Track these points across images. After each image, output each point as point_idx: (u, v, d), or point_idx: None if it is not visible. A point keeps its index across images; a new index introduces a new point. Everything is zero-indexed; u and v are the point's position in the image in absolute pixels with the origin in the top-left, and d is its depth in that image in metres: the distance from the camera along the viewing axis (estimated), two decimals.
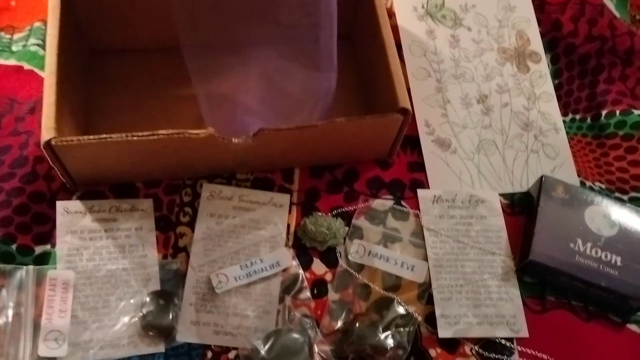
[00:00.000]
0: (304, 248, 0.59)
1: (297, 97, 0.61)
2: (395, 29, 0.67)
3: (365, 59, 0.66)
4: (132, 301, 0.53)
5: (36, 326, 0.51)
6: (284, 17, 0.60)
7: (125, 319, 0.52)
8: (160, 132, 0.51)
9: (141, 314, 0.52)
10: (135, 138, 0.51)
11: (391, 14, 0.70)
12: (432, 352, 0.55)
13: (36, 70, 0.63)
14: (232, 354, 0.53)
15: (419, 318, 0.56)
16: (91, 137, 0.50)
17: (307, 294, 0.56)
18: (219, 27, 0.60)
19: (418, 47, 0.70)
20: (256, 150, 0.56)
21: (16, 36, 0.66)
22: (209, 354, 0.53)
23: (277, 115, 0.60)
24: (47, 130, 0.50)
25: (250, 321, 0.54)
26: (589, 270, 0.57)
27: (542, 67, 0.72)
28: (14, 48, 0.65)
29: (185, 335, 0.53)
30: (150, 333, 0.52)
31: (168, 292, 0.54)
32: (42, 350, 0.50)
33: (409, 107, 0.56)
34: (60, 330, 0.51)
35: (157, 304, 0.52)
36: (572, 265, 0.57)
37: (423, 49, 0.70)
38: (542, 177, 0.62)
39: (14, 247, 0.54)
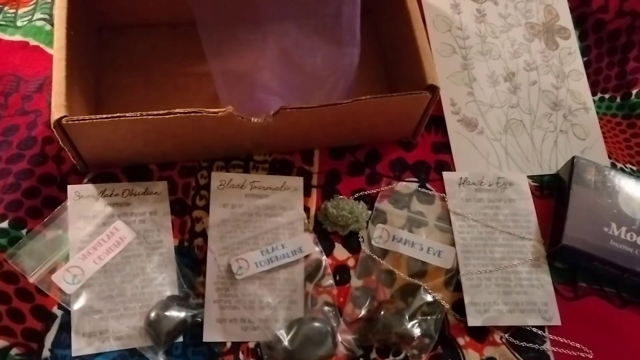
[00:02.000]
0: (324, 233, 0.56)
1: (317, 73, 0.58)
2: (418, 2, 0.64)
3: (388, 34, 0.62)
4: (148, 289, 0.51)
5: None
6: None
7: (142, 309, 0.50)
8: (177, 110, 0.48)
9: (145, 317, 0.49)
10: (150, 117, 0.48)
11: None
12: (461, 341, 0.53)
13: (42, 46, 0.60)
14: (252, 344, 0.51)
15: (447, 306, 0.53)
16: (104, 116, 0.47)
17: (330, 281, 0.54)
18: (235, 1, 0.57)
19: (442, 22, 0.66)
20: (275, 130, 0.53)
21: (21, 11, 0.63)
22: (228, 344, 0.51)
23: (296, 93, 0.57)
24: (58, 108, 0.47)
25: (278, 313, 0.52)
26: (623, 255, 0.54)
27: (572, 44, 0.69)
28: (18, 23, 0.62)
29: (211, 334, 0.51)
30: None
31: (180, 298, 0.51)
32: (56, 276, 0.49)
33: (438, 84, 0.53)
34: (83, 272, 0.49)
35: (163, 310, 0.49)
36: (607, 250, 0.54)
37: (448, 24, 0.66)
38: (573, 158, 0.59)
39: (24, 232, 0.52)
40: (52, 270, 0.49)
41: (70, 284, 0.49)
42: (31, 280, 0.49)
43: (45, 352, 0.48)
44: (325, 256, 0.55)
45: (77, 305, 0.49)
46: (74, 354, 0.48)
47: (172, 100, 0.58)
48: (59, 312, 0.50)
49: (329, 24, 0.57)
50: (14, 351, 0.48)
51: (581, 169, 0.58)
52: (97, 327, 0.49)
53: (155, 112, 0.48)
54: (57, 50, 0.49)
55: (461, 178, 0.60)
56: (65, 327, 0.49)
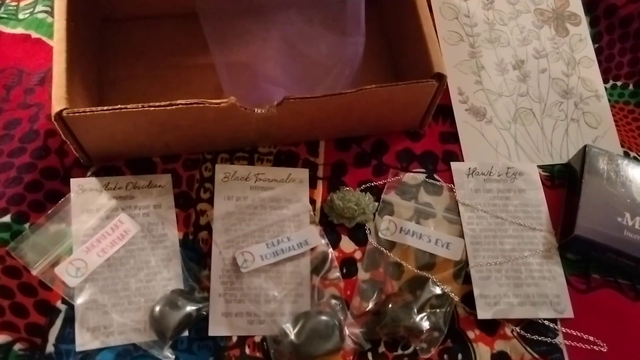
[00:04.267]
0: (331, 225, 0.55)
1: (322, 63, 0.57)
2: None
3: (393, 22, 0.61)
4: (153, 283, 0.50)
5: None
6: None
7: (147, 303, 0.49)
8: (179, 102, 0.48)
9: (150, 312, 0.49)
10: (152, 108, 0.47)
11: None
12: (471, 334, 0.52)
13: (44, 38, 0.60)
14: (258, 338, 0.50)
15: (456, 298, 0.52)
16: (105, 108, 0.47)
17: (336, 273, 0.53)
18: None
19: (449, 9, 0.65)
20: (280, 121, 0.52)
21: (23, 3, 0.62)
22: (234, 338, 0.50)
23: (300, 83, 0.56)
24: (58, 100, 0.46)
25: (284, 306, 0.51)
26: (638, 246, 0.53)
27: (582, 30, 0.67)
28: (20, 16, 0.61)
29: (217, 328, 0.50)
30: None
31: (185, 291, 0.50)
32: (59, 269, 0.48)
33: (445, 72, 0.52)
34: (87, 265, 0.49)
35: (168, 304, 0.48)
36: (620, 240, 0.53)
37: (455, 11, 0.65)
38: (585, 147, 0.58)
39: (26, 226, 0.51)
40: (55, 264, 0.49)
41: (73, 277, 0.48)
42: (34, 272, 0.49)
43: (49, 347, 0.48)
44: (331, 249, 0.54)
45: (80, 300, 0.48)
46: (78, 349, 0.47)
47: (175, 92, 0.58)
48: (62, 307, 0.49)
49: (333, 12, 0.56)
50: (17, 346, 0.47)
51: (593, 157, 0.57)
52: (102, 321, 0.48)
53: (157, 104, 0.47)
54: (58, 42, 0.49)
55: (470, 168, 0.58)
56: (69, 322, 0.49)
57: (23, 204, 0.52)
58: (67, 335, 0.48)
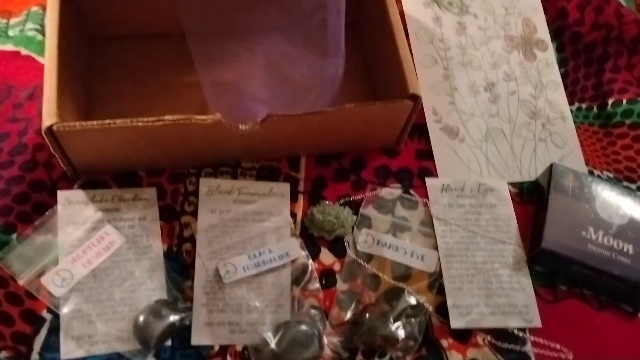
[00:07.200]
0: (311, 237, 0.57)
1: (303, 83, 0.59)
2: (401, 15, 0.66)
3: (372, 45, 0.64)
4: (137, 293, 0.51)
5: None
6: (290, 1, 0.59)
7: (131, 312, 0.50)
8: (166, 117, 0.50)
9: (134, 321, 0.50)
10: (140, 124, 0.49)
11: (397, 1, 0.69)
12: (444, 343, 0.54)
13: (34, 55, 0.61)
14: (239, 347, 0.52)
15: (430, 308, 0.55)
16: (94, 122, 0.48)
17: (316, 284, 0.55)
18: (223, 13, 0.59)
19: (424, 34, 0.69)
20: (263, 138, 0.55)
21: (13, 21, 0.64)
22: (216, 347, 0.51)
23: (282, 102, 0.58)
24: (49, 115, 0.48)
25: (265, 316, 0.52)
26: (601, 259, 0.56)
27: (549, 55, 0.71)
28: (10, 33, 0.63)
29: (200, 337, 0.51)
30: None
31: (169, 302, 0.51)
32: (45, 279, 0.49)
33: (419, 93, 0.55)
34: (72, 275, 0.50)
35: (151, 313, 0.50)
36: (585, 253, 0.56)
37: (430, 36, 0.68)
38: (551, 165, 0.61)
39: (13, 236, 0.52)
40: (42, 274, 0.50)
41: (59, 287, 0.49)
42: (20, 282, 0.50)
43: (34, 356, 0.49)
44: (311, 260, 0.56)
45: (66, 309, 0.49)
46: (62, 358, 0.48)
47: (161, 109, 0.58)
48: (48, 316, 0.50)
49: (315, 35, 0.58)
50: (2, 354, 0.48)
51: (559, 175, 0.60)
52: (86, 330, 0.49)
53: (144, 119, 0.49)
54: (49, 60, 0.50)
55: (443, 184, 0.61)
56: (55, 331, 0.49)
57: (11, 216, 0.53)
58: (52, 344, 0.49)
